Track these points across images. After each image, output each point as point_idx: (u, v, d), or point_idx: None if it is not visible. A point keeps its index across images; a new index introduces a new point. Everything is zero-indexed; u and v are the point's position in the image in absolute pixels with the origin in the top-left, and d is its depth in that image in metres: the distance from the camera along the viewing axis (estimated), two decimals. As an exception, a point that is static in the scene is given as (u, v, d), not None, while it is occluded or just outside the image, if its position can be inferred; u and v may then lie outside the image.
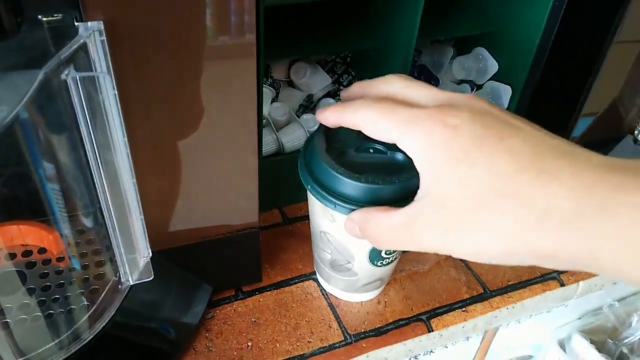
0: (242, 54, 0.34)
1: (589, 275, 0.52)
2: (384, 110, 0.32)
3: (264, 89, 0.57)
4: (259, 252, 0.46)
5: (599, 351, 0.63)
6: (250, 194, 0.41)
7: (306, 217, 0.56)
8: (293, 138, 0.56)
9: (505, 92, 0.62)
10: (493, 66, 0.63)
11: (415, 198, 0.32)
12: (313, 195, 0.39)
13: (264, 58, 0.38)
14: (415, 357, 0.55)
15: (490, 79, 0.63)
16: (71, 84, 0.27)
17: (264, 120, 0.55)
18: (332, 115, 0.36)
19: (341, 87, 0.62)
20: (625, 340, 0.65)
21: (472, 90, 0.64)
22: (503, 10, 0.60)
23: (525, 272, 0.52)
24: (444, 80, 0.63)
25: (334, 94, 0.62)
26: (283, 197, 0.57)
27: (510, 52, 0.61)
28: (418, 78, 0.63)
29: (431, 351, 0.56)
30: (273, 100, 0.58)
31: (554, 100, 0.57)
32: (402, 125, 0.31)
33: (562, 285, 0.51)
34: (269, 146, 0.54)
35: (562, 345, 0.66)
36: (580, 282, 0.52)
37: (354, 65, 0.63)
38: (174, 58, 0.32)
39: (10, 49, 0.26)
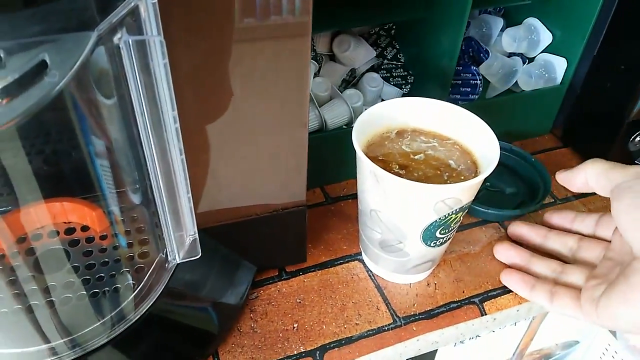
0: (297, 33, 0.32)
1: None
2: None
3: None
4: (305, 231, 0.45)
5: (654, 338, 0.60)
6: (299, 170, 0.40)
7: (349, 197, 0.54)
8: (336, 114, 0.54)
9: (560, 65, 0.59)
10: (546, 38, 0.59)
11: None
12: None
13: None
14: (462, 341, 0.54)
15: (543, 52, 0.60)
16: (124, 48, 0.26)
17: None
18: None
19: (385, 61, 0.59)
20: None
21: (523, 63, 0.60)
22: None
23: (583, 254, 0.49)
24: (493, 53, 0.60)
25: (377, 68, 0.59)
26: (325, 175, 0.55)
27: (565, 22, 0.58)
28: (465, 51, 0.60)
29: (477, 335, 0.54)
30: (315, 75, 0.56)
31: (614, 74, 0.54)
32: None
33: (622, 269, 0.48)
34: (311, 123, 0.52)
35: (612, 331, 0.63)
36: None
37: (398, 38, 0.60)
38: (225, 29, 0.30)
39: (61, 11, 0.25)
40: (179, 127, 0.30)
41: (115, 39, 0.25)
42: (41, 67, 0.23)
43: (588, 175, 0.41)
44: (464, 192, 0.37)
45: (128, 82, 0.27)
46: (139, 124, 0.29)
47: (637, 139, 0.55)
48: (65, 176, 0.36)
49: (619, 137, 0.54)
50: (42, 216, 0.38)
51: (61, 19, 0.24)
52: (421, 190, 0.36)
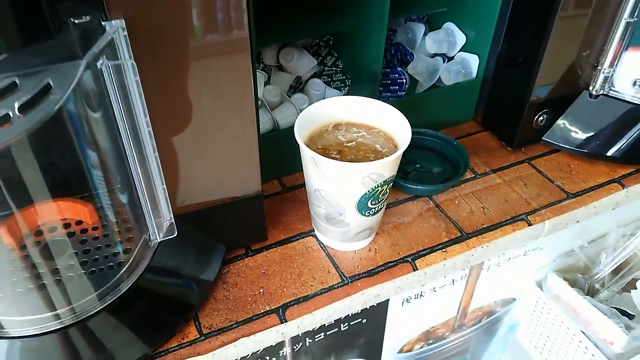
0: (238, 46, 0.41)
1: (554, 214, 0.60)
2: None
3: (257, 73, 0.64)
4: (264, 214, 0.54)
5: (572, 287, 0.70)
6: (253, 161, 0.48)
7: (302, 185, 0.63)
8: (286, 116, 0.63)
9: (473, 61, 0.69)
10: (461, 39, 0.70)
11: None
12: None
13: (255, 46, 0.44)
14: (407, 300, 0.63)
15: (459, 51, 0.71)
16: (105, 71, 0.34)
17: (259, 102, 0.62)
18: None
19: (326, 68, 0.69)
20: (596, 277, 0.72)
21: (444, 62, 0.71)
22: (466, -14, 0.67)
23: (497, 215, 0.59)
24: (418, 54, 0.70)
25: (319, 74, 0.69)
26: (281, 168, 0.64)
27: (475, 25, 0.68)
28: (394, 55, 0.70)
29: (421, 294, 0.64)
30: (266, 84, 0.65)
31: (515, 66, 0.64)
32: None
33: (530, 224, 0.58)
34: (265, 124, 0.61)
35: (540, 286, 0.74)
36: (546, 222, 0.59)
37: (336, 47, 0.70)
38: (181, 48, 0.39)
39: (56, 46, 0.33)
40: (151, 130, 0.39)
41: (99, 64, 0.34)
42: (47, 89, 0.31)
43: None
44: (383, 167, 0.47)
45: (109, 96, 0.36)
46: (120, 130, 0.38)
47: (539, 119, 0.65)
48: (61, 179, 0.44)
49: (523, 118, 0.65)
50: (43, 214, 0.46)
51: (56, 52, 0.33)
52: (350, 168, 0.46)
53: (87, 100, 0.37)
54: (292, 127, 0.57)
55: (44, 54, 0.33)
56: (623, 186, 0.63)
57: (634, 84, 0.63)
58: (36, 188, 0.42)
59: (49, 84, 0.31)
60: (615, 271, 0.72)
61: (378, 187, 0.48)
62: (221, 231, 0.52)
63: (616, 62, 0.62)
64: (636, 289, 0.71)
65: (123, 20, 0.35)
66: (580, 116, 0.66)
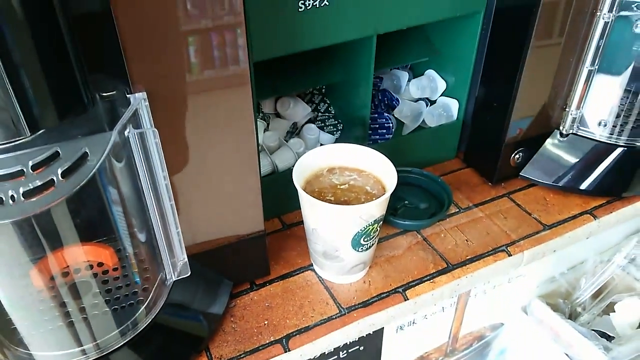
0: (242, 101, 0.47)
1: (532, 245, 0.65)
2: None
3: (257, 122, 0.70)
4: (266, 251, 0.59)
5: (555, 311, 0.75)
6: (256, 205, 0.54)
7: (301, 222, 0.68)
8: (284, 159, 0.69)
9: (454, 105, 0.76)
10: (442, 85, 0.76)
11: None
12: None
13: (255, 98, 0.51)
14: (401, 327, 0.68)
15: (441, 95, 0.77)
16: (130, 138, 0.40)
17: (259, 147, 0.68)
18: None
19: (319, 114, 0.75)
20: (577, 301, 0.77)
21: (427, 105, 0.77)
22: (444, 37, 0.74)
23: (480, 247, 0.64)
24: (402, 99, 0.76)
25: (314, 120, 0.75)
26: (281, 207, 0.69)
27: (454, 72, 0.75)
28: (381, 100, 0.76)
29: (414, 322, 0.69)
30: (265, 130, 0.71)
31: (491, 108, 0.71)
32: None
33: (510, 255, 0.64)
34: (265, 168, 0.67)
35: (525, 311, 0.79)
36: (525, 252, 0.65)
37: (328, 95, 0.76)
38: (192, 110, 0.45)
39: (90, 118, 0.39)
40: (169, 183, 0.45)
41: (126, 132, 0.40)
42: (84, 156, 0.37)
43: None
44: (373, 208, 0.52)
45: (134, 156, 0.41)
46: (141, 182, 0.43)
47: (516, 156, 0.72)
48: (85, 225, 0.49)
49: (501, 156, 0.71)
50: (69, 257, 0.51)
51: (89, 123, 0.39)
52: (342, 210, 0.51)
53: (115, 157, 0.43)
54: (290, 170, 0.63)
55: (79, 125, 0.39)
56: (595, 217, 0.69)
57: (600, 123, 0.69)
58: (64, 233, 0.47)
59: (86, 152, 0.37)
60: (595, 295, 0.78)
61: (369, 225, 0.54)
62: (228, 268, 0.57)
63: (582, 104, 0.68)
64: (614, 312, 0.76)
65: (145, 93, 0.41)
66: (553, 153, 0.72)
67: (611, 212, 0.70)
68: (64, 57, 0.37)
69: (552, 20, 0.62)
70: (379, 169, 0.58)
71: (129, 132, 0.40)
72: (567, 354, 0.74)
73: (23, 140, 0.36)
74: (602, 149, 0.71)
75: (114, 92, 0.42)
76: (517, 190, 0.73)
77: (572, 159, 0.72)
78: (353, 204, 0.54)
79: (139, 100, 0.41)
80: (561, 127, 0.71)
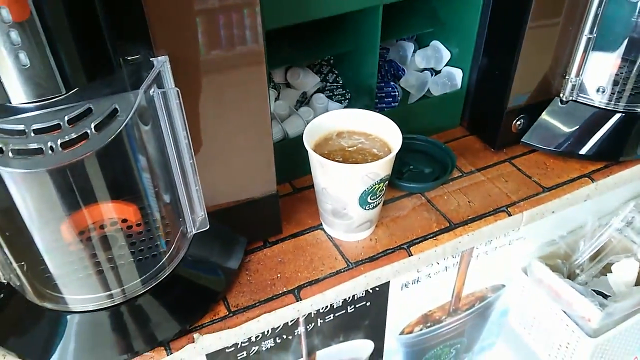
0: (256, 71, 0.51)
1: (531, 206, 0.68)
2: None
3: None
4: (279, 211, 0.63)
5: (554, 272, 0.79)
6: (269, 167, 0.58)
7: (310, 186, 0.72)
8: (294, 126, 0.72)
9: (458, 74, 0.78)
10: (447, 55, 0.79)
11: None
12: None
13: (268, 68, 0.54)
14: (406, 285, 0.72)
15: (445, 65, 0.80)
16: (155, 97, 0.44)
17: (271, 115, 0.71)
18: None
19: (327, 84, 0.78)
20: (575, 262, 0.81)
21: (432, 75, 0.80)
22: (448, 8, 0.76)
23: (481, 208, 0.68)
24: (409, 70, 0.79)
25: (322, 90, 0.78)
26: (291, 172, 0.73)
27: (458, 43, 0.78)
28: (387, 70, 0.79)
29: (418, 280, 0.72)
30: (276, 99, 0.75)
31: (493, 78, 0.73)
32: None
33: (510, 215, 0.67)
34: (276, 135, 0.71)
35: (525, 271, 0.82)
36: (524, 212, 0.68)
37: (336, 66, 0.79)
38: (210, 73, 0.49)
39: (118, 79, 0.43)
40: (190, 142, 0.48)
41: (151, 92, 0.44)
42: (114, 112, 0.41)
43: None
44: (379, 167, 0.56)
45: (157, 115, 0.45)
46: (165, 141, 0.47)
47: (517, 123, 0.75)
48: (111, 183, 0.53)
49: (503, 123, 0.74)
50: (96, 213, 0.55)
51: (118, 83, 0.43)
52: (350, 169, 0.55)
53: (140, 117, 0.46)
54: (300, 136, 0.66)
55: (108, 86, 0.42)
56: (592, 180, 0.72)
57: (598, 90, 0.72)
58: (94, 190, 0.51)
59: (115, 108, 0.41)
60: (593, 257, 0.81)
61: (375, 184, 0.57)
62: (243, 226, 0.61)
63: (581, 72, 0.71)
64: (611, 272, 0.79)
65: (167, 56, 0.45)
66: (554, 120, 0.75)
67: (608, 176, 0.73)
68: (95, 23, 0.40)
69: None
70: (385, 132, 0.62)
71: (153, 92, 0.44)
72: (565, 312, 0.77)
73: (59, 97, 0.40)
74: (600, 115, 0.73)
75: (139, 56, 0.45)
76: (518, 156, 0.77)
77: (572, 125, 0.74)
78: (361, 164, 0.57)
79: (162, 63, 0.44)
80: (561, 94, 0.74)
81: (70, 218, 0.52)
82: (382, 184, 0.58)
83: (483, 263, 0.77)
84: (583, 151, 0.74)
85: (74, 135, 0.40)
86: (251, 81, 0.51)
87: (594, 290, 0.78)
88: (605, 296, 0.78)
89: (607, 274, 0.80)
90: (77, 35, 0.39)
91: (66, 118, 0.40)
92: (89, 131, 0.40)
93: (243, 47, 0.49)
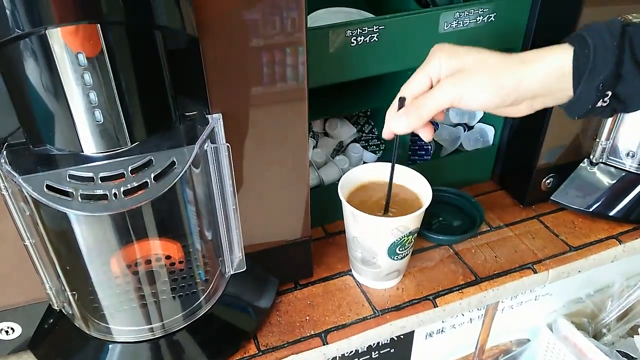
0: (297, 122, 0.55)
1: (557, 264, 0.70)
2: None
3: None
4: (311, 255, 0.66)
5: (580, 330, 0.79)
6: (304, 212, 0.61)
7: (341, 232, 0.75)
8: (330, 174, 0.76)
9: (490, 131, 0.81)
10: (480, 112, 0.82)
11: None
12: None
13: (309, 120, 0.58)
14: (430, 334, 0.73)
15: (478, 122, 0.83)
16: (207, 151, 0.48)
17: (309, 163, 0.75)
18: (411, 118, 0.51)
19: (363, 134, 0.82)
20: (602, 322, 0.81)
21: (464, 130, 0.83)
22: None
23: (507, 263, 0.69)
24: (442, 124, 0.83)
25: (358, 140, 0.82)
26: (324, 217, 0.77)
27: (491, 101, 0.80)
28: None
29: (442, 330, 0.74)
30: (314, 147, 0.79)
31: (525, 136, 0.76)
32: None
33: (535, 272, 0.69)
34: (312, 181, 0.75)
35: (550, 328, 0.82)
36: (550, 270, 0.69)
37: (372, 118, 0.83)
38: (257, 129, 0.53)
39: (175, 133, 0.48)
40: (235, 191, 0.53)
41: (205, 146, 0.48)
42: (172, 164, 0.45)
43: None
44: (409, 221, 0.59)
45: (208, 166, 0.50)
46: (212, 188, 0.51)
47: (547, 181, 0.77)
48: (159, 222, 0.58)
49: (532, 181, 0.76)
50: (142, 249, 0.60)
51: (177, 138, 0.47)
52: (380, 221, 0.58)
53: (193, 165, 0.51)
54: (335, 183, 0.70)
55: (168, 138, 0.47)
56: (620, 242, 0.73)
57: (628, 154, 0.74)
58: (144, 228, 0.56)
59: (173, 161, 0.45)
60: (620, 317, 0.81)
61: (404, 237, 0.60)
62: (276, 267, 0.65)
63: (611, 136, 0.72)
64: (638, 334, 0.79)
65: (220, 114, 0.49)
66: (583, 180, 0.77)
67: (637, 238, 0.74)
68: (161, 83, 0.45)
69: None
70: (417, 187, 0.65)
71: (207, 146, 0.48)
72: (589, 372, 0.77)
73: (125, 149, 0.45)
74: (630, 179, 0.75)
75: (195, 112, 0.50)
76: (547, 213, 0.78)
77: (601, 187, 0.76)
78: (391, 217, 0.60)
79: (216, 120, 0.49)
80: (591, 156, 0.76)
81: (121, 252, 0.57)
82: (411, 236, 0.61)
83: (508, 317, 0.78)
84: (612, 212, 0.75)
85: (135, 184, 0.44)
86: (293, 133, 0.55)
87: (619, 352, 0.78)
88: (631, 358, 0.78)
89: (634, 336, 0.80)
90: (144, 93, 0.44)
91: (130, 168, 0.44)
92: (148, 181, 0.44)
93: (288, 105, 0.53)
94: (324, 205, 0.75)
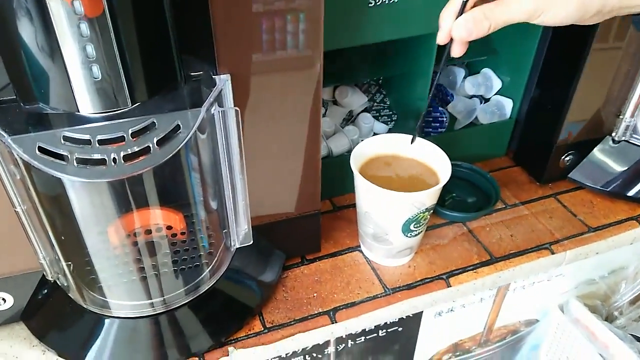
0: (310, 88, 0.51)
1: (575, 245, 0.67)
2: None
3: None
4: (320, 229, 0.63)
5: (592, 312, 0.77)
6: (315, 184, 0.58)
7: (350, 206, 0.72)
8: (339, 145, 0.72)
9: (508, 104, 0.77)
10: (497, 84, 0.78)
11: None
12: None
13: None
14: (439, 313, 0.71)
15: (495, 94, 0.79)
16: (215, 115, 0.44)
17: (317, 132, 0.71)
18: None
19: (374, 104, 0.78)
20: (615, 304, 0.78)
21: (481, 102, 0.79)
22: (504, 37, 0.75)
23: (523, 243, 0.67)
24: (457, 95, 0.79)
25: (369, 109, 0.78)
26: (333, 190, 0.73)
27: (510, 72, 0.76)
28: (436, 95, 0.79)
29: (452, 309, 0.71)
30: (323, 116, 0.75)
31: (546, 110, 0.72)
32: None
33: (553, 253, 0.66)
34: (321, 151, 0.71)
35: (562, 309, 0.80)
36: (567, 252, 0.67)
37: (384, 86, 0.79)
38: (269, 93, 0.49)
39: (182, 95, 0.44)
40: (243, 159, 0.49)
41: (212, 110, 0.44)
42: (177, 128, 0.41)
43: None
44: (426, 197, 0.55)
45: (215, 131, 0.46)
46: (220, 155, 0.48)
47: (566, 159, 0.73)
48: (162, 190, 0.54)
49: (551, 157, 0.72)
50: (142, 219, 0.56)
51: (183, 99, 0.43)
52: (396, 196, 0.55)
53: (198, 131, 0.47)
54: (344, 154, 0.66)
55: (170, 101, 0.43)
56: (640, 223, 0.70)
57: (654, 132, 0.70)
58: (145, 196, 0.52)
59: (178, 124, 0.41)
60: (633, 301, 0.79)
61: (420, 213, 0.57)
62: (282, 242, 0.62)
63: (636, 113, 0.69)
64: (652, 318, 0.77)
65: (229, 75, 0.45)
66: (604, 158, 0.73)
67: (657, 220, 0.71)
68: (165, 39, 0.41)
69: (613, 23, 0.63)
70: (434, 161, 0.61)
71: (214, 110, 0.44)
72: (601, 355, 0.75)
73: (125, 109, 0.41)
74: (654, 158, 0.71)
75: (201, 72, 0.46)
76: (564, 192, 0.75)
77: (622, 166, 0.73)
78: (404, 190, 0.57)
79: (224, 81, 0.45)
80: (613, 134, 0.72)
81: (119, 221, 0.53)
82: (427, 212, 0.58)
83: (519, 297, 0.76)
84: (632, 193, 0.72)
85: (136, 149, 0.40)
86: (306, 100, 0.51)
87: (633, 335, 0.76)
88: (644, 343, 0.76)
89: (648, 320, 0.78)
90: (147, 47, 0.40)
91: (130, 131, 0.40)
92: (151, 146, 0.41)
93: (301, 69, 0.49)
94: (333, 178, 0.71)
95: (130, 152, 0.40)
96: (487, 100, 0.80)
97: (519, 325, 0.82)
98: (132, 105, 0.41)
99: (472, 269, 0.63)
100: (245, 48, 0.46)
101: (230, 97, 0.46)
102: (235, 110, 0.45)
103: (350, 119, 0.77)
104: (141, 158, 0.41)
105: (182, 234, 0.58)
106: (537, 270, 0.67)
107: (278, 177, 0.56)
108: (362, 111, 0.78)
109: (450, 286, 0.62)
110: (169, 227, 0.58)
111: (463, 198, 0.72)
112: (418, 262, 0.64)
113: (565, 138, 0.71)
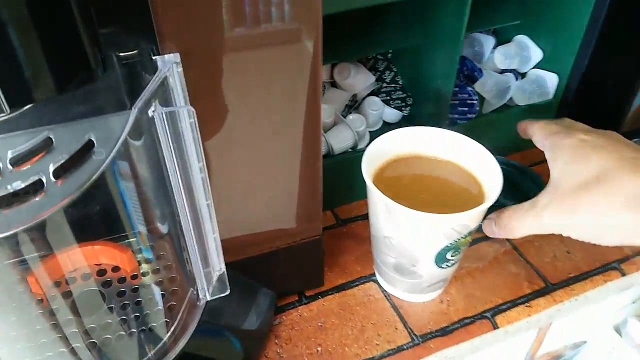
0: (305, 65, 0.34)
1: (649, 262, 0.52)
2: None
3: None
4: (322, 258, 0.47)
5: (656, 335, 0.63)
6: (315, 201, 0.42)
7: (359, 218, 0.56)
8: (341, 139, 0.56)
9: (551, 80, 0.61)
10: (537, 54, 0.62)
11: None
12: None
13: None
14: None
15: (534, 67, 0.63)
16: (157, 119, 0.28)
17: (313, 125, 0.55)
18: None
19: (384, 84, 0.62)
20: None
21: (516, 79, 0.63)
22: (545, -5, 0.59)
23: (585, 262, 0.52)
24: (486, 70, 0.62)
25: (377, 92, 0.62)
26: (335, 199, 0.57)
27: (554, 40, 0.60)
28: (460, 70, 0.62)
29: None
30: (319, 103, 0.58)
31: (604, 90, 0.56)
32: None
33: (623, 274, 0.51)
34: (321, 155, 0.55)
35: (618, 331, 0.66)
36: (641, 270, 0.52)
37: (394, 61, 0.63)
38: (243, 80, 0.33)
39: (100, 90, 0.27)
40: (206, 177, 0.33)
41: (150, 111, 0.28)
42: (89, 146, 0.25)
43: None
44: (471, 218, 0.40)
45: (159, 140, 0.29)
46: (169, 174, 0.31)
47: (630, 147, 0.57)
48: (94, 219, 0.38)
49: (612, 147, 0.57)
50: (74, 259, 0.40)
51: (101, 98, 0.27)
52: (431, 219, 0.39)
53: (131, 138, 0.31)
54: (347, 152, 0.51)
55: (84, 99, 0.27)
56: None
57: None
58: (67, 230, 0.36)
59: (91, 140, 0.25)
60: None
61: (462, 238, 0.41)
62: (274, 277, 0.46)
63: None
64: None
65: (178, 54, 0.29)
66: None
67: None
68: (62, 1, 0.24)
69: None
70: (477, 166, 0.45)
71: (154, 112, 0.28)
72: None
73: (0, 119, 0.24)
74: None
75: (135, 51, 0.29)
76: (626, 189, 0.60)
77: (701, 154, 0.57)
78: (440, 205, 0.41)
79: (170, 64, 0.28)
80: (690, 114, 0.57)
81: (32, 272, 0.37)
82: (469, 237, 0.42)
83: (570, 320, 0.61)
84: None
85: (20, 185, 0.24)
86: (299, 85, 0.35)
87: None
88: None
89: None
90: (28, 16, 0.24)
91: (9, 155, 0.24)
92: (44, 179, 0.24)
93: (292, 41, 0.33)
94: (335, 183, 0.55)
95: (10, 191, 0.24)
96: (523, 75, 0.64)
97: (564, 350, 0.68)
98: (10, 112, 0.24)
99: (524, 302, 0.48)
100: (204, 10, 0.29)
101: (180, 88, 0.29)
102: (188, 110, 0.29)
103: (354, 104, 0.61)
104: (30, 201, 0.24)
105: (134, 277, 0.42)
106: (604, 296, 0.52)
107: (261, 195, 0.40)
108: (369, 94, 0.61)
109: (498, 328, 0.47)
110: (115, 269, 0.42)
111: (499, 201, 0.57)
112: (452, 295, 0.49)
113: (630, 123, 0.56)
